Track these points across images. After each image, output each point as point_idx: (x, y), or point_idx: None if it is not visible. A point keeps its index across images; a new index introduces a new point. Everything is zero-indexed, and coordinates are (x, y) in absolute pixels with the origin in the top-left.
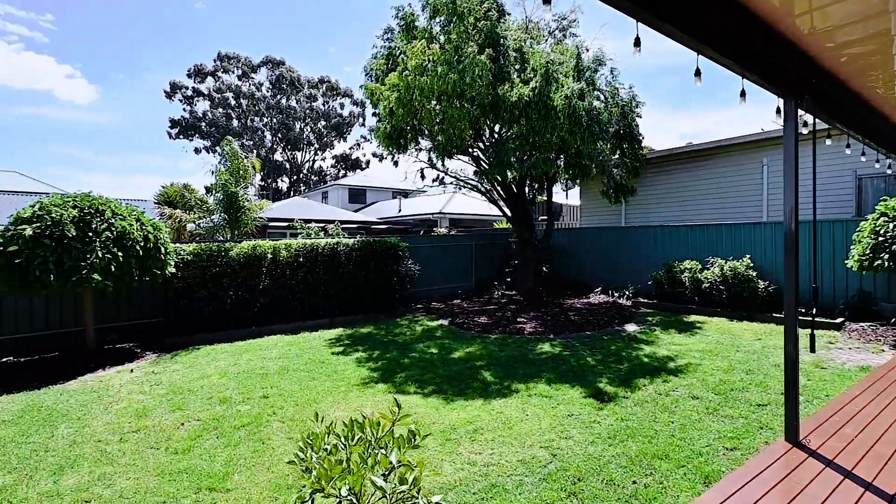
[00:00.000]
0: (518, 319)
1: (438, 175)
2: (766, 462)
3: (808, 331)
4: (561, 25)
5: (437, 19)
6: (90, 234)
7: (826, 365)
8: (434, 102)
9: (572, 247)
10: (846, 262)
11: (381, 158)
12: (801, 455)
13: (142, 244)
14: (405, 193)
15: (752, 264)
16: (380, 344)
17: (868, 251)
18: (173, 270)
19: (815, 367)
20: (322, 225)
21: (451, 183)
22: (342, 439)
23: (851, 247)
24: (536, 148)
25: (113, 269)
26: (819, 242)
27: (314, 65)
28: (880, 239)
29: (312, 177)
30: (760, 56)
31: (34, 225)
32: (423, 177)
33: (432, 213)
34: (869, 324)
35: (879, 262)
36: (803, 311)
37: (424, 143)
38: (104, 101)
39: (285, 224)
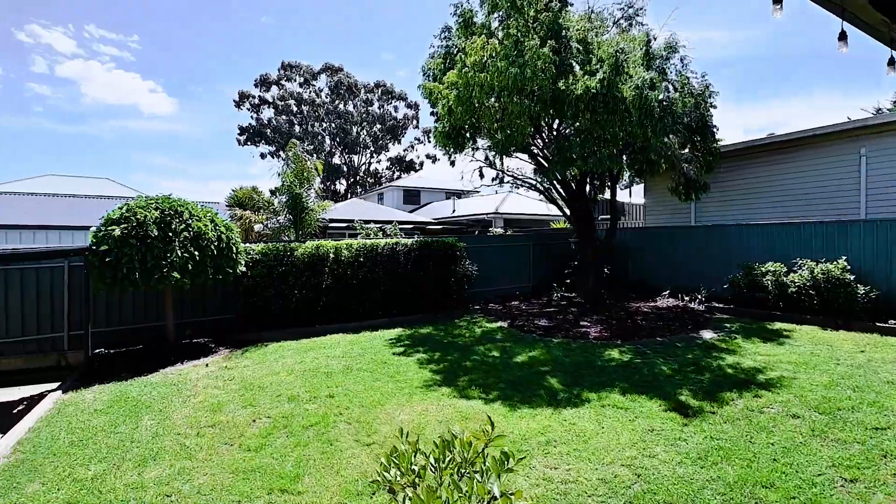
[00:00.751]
0: (581, 323)
1: (497, 174)
2: None
3: None
4: (626, 14)
5: (496, 14)
6: (170, 234)
7: None
8: (493, 99)
9: (636, 247)
10: None
11: (435, 160)
12: None
13: (216, 244)
14: (459, 194)
15: (848, 267)
16: (440, 345)
17: None
18: (244, 269)
19: None
20: (380, 225)
21: (509, 182)
22: (432, 461)
23: None
24: (601, 143)
25: (190, 268)
26: None
27: (370, 70)
28: None
29: (368, 179)
30: None
31: (122, 226)
32: (481, 176)
33: (487, 214)
34: None
35: None
36: None
37: (482, 143)
38: (182, 113)
39: (344, 225)
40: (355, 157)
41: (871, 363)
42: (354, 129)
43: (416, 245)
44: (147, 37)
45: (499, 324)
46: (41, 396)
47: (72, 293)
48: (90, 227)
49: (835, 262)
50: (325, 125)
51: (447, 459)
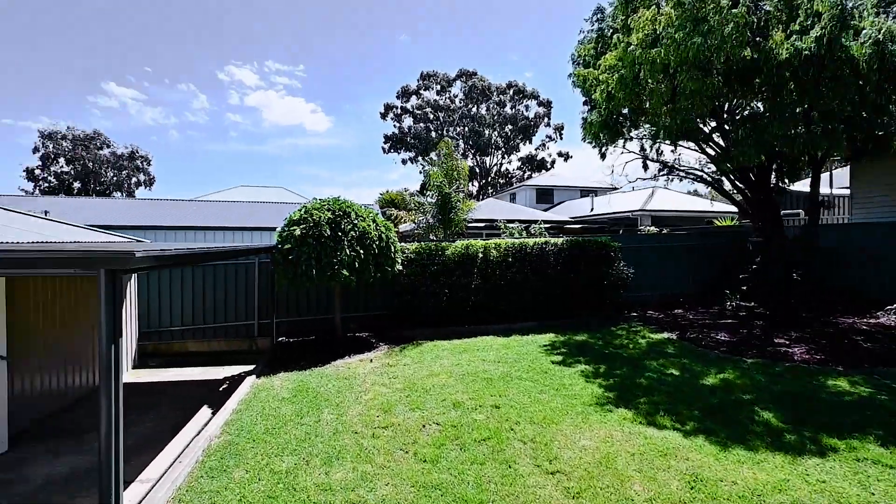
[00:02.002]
0: (775, 340)
1: (660, 166)
2: None
3: None
4: None
5: None
6: (339, 233)
7: None
8: (660, 83)
9: (841, 248)
10: None
11: (567, 157)
12: None
13: (377, 242)
14: (594, 191)
15: None
16: (601, 356)
17: None
18: (400, 268)
19: None
20: (526, 225)
21: (664, 174)
22: None
23: None
24: (810, 118)
25: (356, 266)
26: None
27: (498, 72)
28: None
29: (499, 179)
30: None
31: (301, 226)
32: (645, 168)
33: (632, 211)
34: None
35: None
36: None
37: (636, 132)
38: (336, 129)
39: (483, 224)
40: (487, 159)
41: None
42: (486, 132)
43: (566, 244)
44: (311, 65)
45: (665, 335)
46: (240, 378)
47: (260, 286)
48: (272, 227)
49: None
50: (458, 129)
51: None
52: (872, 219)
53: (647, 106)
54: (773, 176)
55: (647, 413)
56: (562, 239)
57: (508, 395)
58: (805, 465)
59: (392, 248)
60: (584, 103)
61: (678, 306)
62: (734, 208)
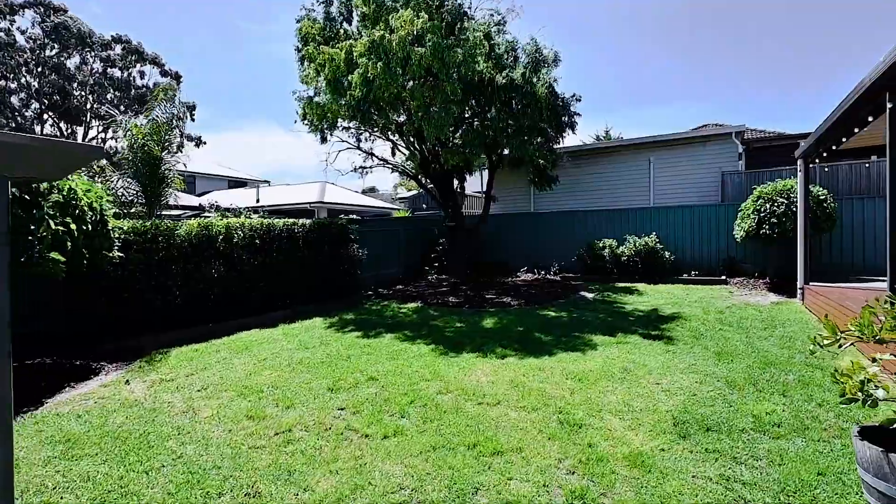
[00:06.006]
0: (487, 297)
1: (372, 158)
2: None
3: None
4: None
5: None
6: (34, 196)
7: (754, 304)
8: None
9: (494, 232)
10: (734, 233)
11: (199, 143)
12: None
13: (90, 215)
14: (244, 183)
15: (658, 239)
16: (395, 325)
17: (754, 224)
18: (120, 253)
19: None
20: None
21: (373, 167)
22: None
23: (736, 223)
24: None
25: (67, 247)
26: (698, 222)
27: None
28: (762, 215)
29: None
30: None
31: None
32: (393, 154)
33: (310, 202)
34: (740, 279)
35: (764, 230)
36: (697, 273)
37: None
38: None
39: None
40: (80, 130)
41: (703, 298)
42: (79, 92)
43: (313, 226)
44: None
45: (413, 304)
46: None
47: None
48: None
49: (649, 237)
50: (26, 80)
51: None
52: (505, 211)
53: (411, 101)
54: (454, 179)
55: (487, 349)
56: (308, 221)
57: (363, 369)
58: (598, 353)
59: (108, 223)
60: (303, 81)
61: (399, 283)
62: (399, 206)
